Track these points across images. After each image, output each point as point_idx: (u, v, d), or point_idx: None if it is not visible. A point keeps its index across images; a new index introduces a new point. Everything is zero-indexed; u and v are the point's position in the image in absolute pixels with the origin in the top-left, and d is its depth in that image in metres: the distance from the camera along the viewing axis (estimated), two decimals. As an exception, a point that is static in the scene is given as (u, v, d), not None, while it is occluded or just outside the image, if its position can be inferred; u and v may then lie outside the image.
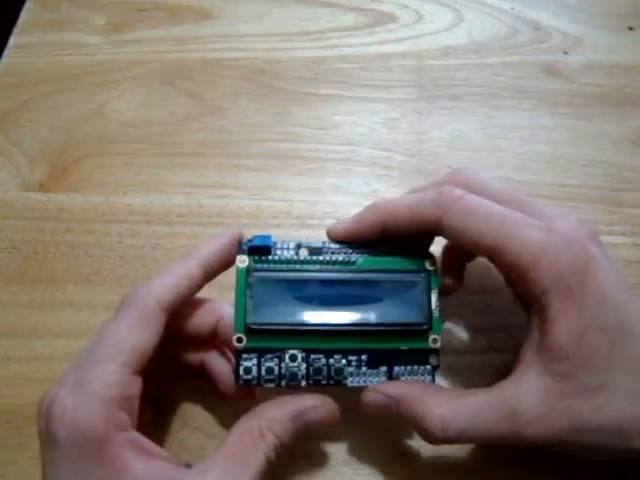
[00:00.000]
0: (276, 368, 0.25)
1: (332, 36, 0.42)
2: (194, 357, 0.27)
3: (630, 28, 0.42)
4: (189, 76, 0.41)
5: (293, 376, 0.25)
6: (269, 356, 0.25)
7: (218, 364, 0.27)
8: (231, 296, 0.25)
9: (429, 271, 0.26)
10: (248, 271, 0.25)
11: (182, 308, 0.26)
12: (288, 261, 0.26)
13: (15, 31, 0.43)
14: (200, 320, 0.27)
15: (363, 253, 0.26)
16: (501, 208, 0.24)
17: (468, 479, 0.27)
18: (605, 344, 0.22)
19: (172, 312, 0.25)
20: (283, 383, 0.25)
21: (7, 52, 0.42)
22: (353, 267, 0.26)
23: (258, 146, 0.38)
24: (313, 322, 0.25)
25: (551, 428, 0.22)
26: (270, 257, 0.26)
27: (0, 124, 0.39)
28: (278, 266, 0.25)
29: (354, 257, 0.26)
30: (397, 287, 0.25)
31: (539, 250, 0.23)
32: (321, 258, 0.26)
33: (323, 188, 0.36)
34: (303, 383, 0.25)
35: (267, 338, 0.25)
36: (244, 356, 0.25)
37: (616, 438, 0.22)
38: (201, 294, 0.27)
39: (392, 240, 0.26)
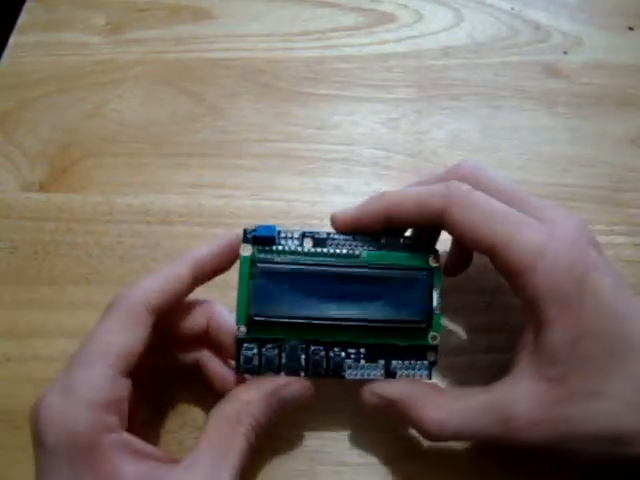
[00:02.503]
0: (276, 359, 0.25)
1: (332, 36, 0.42)
2: (188, 357, 0.27)
3: (630, 28, 0.42)
4: (189, 76, 0.41)
5: (293, 367, 0.25)
6: (270, 346, 0.25)
7: (212, 363, 0.27)
8: (233, 295, 0.25)
9: (432, 268, 0.26)
10: (252, 261, 0.25)
11: (173, 308, 0.26)
12: (292, 252, 0.26)
13: (15, 31, 0.43)
14: (191, 320, 0.27)
15: (367, 246, 0.26)
16: (503, 206, 0.24)
17: (469, 477, 0.27)
18: (601, 352, 0.22)
19: (160, 314, 0.25)
20: (283, 374, 0.25)
21: (7, 52, 0.42)
22: (356, 261, 0.26)
23: (258, 146, 0.38)
24: (315, 316, 0.25)
25: (544, 433, 0.22)
26: (274, 247, 0.26)
27: (0, 124, 0.39)
28: (282, 257, 0.25)
29: (358, 250, 0.26)
30: (399, 284, 0.25)
31: (538, 254, 0.22)
32: (325, 250, 0.26)
33: (323, 188, 0.36)
34: (302, 374, 0.25)
35: (268, 329, 0.25)
36: (245, 345, 0.25)
37: (612, 446, 0.22)
38: (201, 295, 0.27)
39: (396, 232, 0.26)
